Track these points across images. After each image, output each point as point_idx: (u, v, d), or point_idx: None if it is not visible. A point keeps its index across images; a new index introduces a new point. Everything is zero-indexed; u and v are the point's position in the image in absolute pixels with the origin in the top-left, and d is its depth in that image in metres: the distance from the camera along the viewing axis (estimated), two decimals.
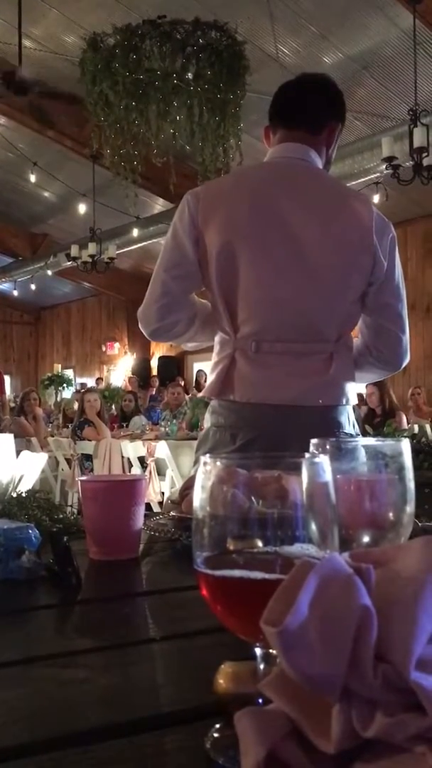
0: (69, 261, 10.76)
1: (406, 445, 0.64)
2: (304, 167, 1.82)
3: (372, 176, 7.92)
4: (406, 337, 1.89)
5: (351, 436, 1.82)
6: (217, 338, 1.86)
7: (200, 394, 1.87)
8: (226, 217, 1.75)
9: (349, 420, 1.84)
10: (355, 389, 1.88)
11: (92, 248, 9.90)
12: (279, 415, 1.74)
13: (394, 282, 1.83)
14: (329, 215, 1.77)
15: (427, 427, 3.54)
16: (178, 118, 6.03)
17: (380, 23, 6.88)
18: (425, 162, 5.94)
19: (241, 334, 1.77)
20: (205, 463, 0.50)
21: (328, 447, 0.64)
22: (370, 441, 0.64)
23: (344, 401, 1.81)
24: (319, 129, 1.86)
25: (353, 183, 8.56)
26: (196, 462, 1.92)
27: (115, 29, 5.95)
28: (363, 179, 8.22)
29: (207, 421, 1.91)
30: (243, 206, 1.76)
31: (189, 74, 5.87)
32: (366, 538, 0.61)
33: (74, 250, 10.29)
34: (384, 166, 6.35)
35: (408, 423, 6.64)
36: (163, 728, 0.52)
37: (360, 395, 9.03)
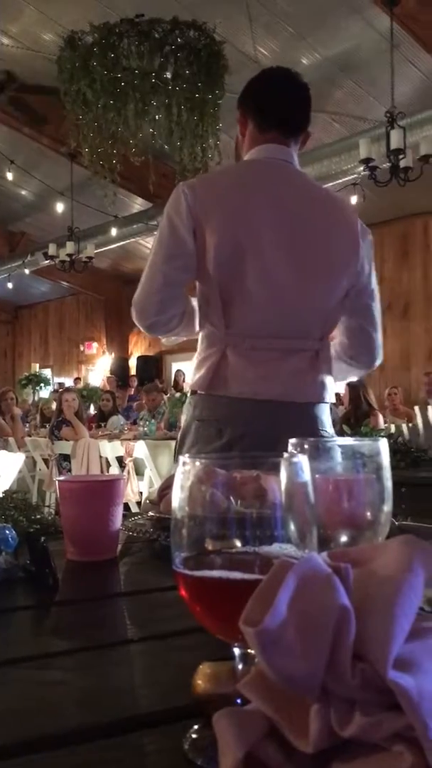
0: (47, 260, 10.68)
1: (383, 445, 0.64)
2: (293, 170, 1.87)
3: (350, 177, 7.97)
4: (380, 338, 1.96)
5: (329, 433, 1.87)
6: (203, 333, 1.86)
7: (188, 387, 1.88)
8: (227, 210, 1.76)
9: (328, 417, 1.89)
10: (334, 388, 1.92)
11: (70, 247, 9.85)
12: (267, 411, 1.76)
13: (372, 285, 1.90)
14: (323, 217, 1.83)
15: (404, 426, 3.57)
16: (156, 117, 6.03)
17: (358, 25, 6.92)
18: (402, 164, 5.99)
19: (234, 329, 1.78)
20: (184, 463, 0.50)
21: (306, 447, 0.64)
22: (349, 441, 0.65)
23: (326, 398, 1.86)
24: (299, 132, 1.90)
25: (331, 184, 8.59)
26: (176, 458, 1.93)
27: (93, 27, 5.93)
28: (341, 180, 8.26)
29: (187, 414, 1.89)
30: (245, 201, 1.78)
31: (167, 73, 5.87)
32: (344, 538, 0.61)
33: (52, 249, 10.22)
34: (361, 168, 6.39)
35: (385, 423, 6.68)
36: (142, 729, 0.52)
37: (337, 395, 9.07)
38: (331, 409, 1.95)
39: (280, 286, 1.76)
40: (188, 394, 1.92)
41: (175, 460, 1.96)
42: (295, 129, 1.88)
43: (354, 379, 2.14)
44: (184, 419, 1.92)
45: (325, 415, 1.86)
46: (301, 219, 1.79)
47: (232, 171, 1.99)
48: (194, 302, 1.87)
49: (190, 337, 1.93)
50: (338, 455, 0.65)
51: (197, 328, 1.88)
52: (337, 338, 1.95)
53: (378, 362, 2.00)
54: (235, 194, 1.80)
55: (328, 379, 1.86)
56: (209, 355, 1.81)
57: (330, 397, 1.87)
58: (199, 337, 1.87)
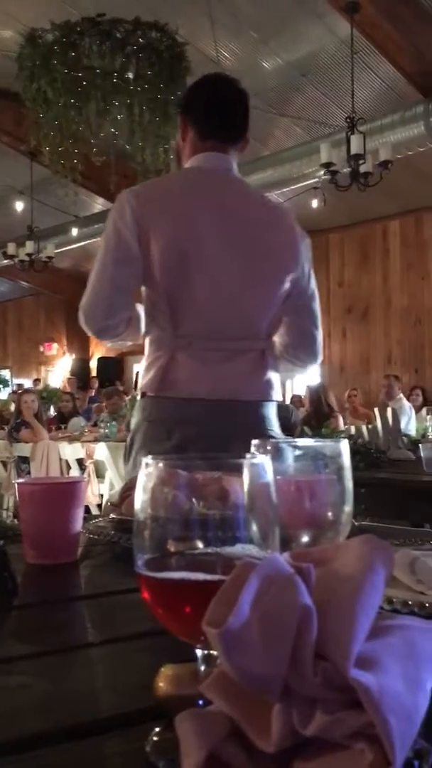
0: (6, 259, 10.54)
1: (344, 446, 0.65)
2: (233, 177, 1.92)
3: (311, 181, 8.05)
4: (321, 337, 2.03)
5: (276, 432, 1.93)
6: (151, 336, 1.88)
7: (137, 390, 1.88)
8: (172, 215, 1.79)
9: (274, 416, 1.94)
10: (279, 386, 1.98)
11: (30, 246, 9.73)
12: (216, 410, 1.79)
13: (311, 286, 1.97)
14: (263, 222, 1.89)
15: (364, 428, 3.61)
16: (118, 117, 6.00)
17: (319, 31, 7.00)
18: (362, 169, 6.06)
19: (182, 332, 1.81)
20: (146, 465, 0.49)
21: (269, 448, 0.65)
22: (310, 442, 0.65)
23: (273, 396, 1.92)
24: (239, 139, 1.93)
25: (292, 187, 8.67)
26: (126, 460, 1.95)
27: (54, 25, 5.87)
28: (302, 184, 8.34)
29: (136, 416, 1.92)
30: (189, 207, 1.82)
31: (129, 74, 5.84)
32: (306, 538, 0.61)
33: (11, 248, 10.07)
34: (322, 172, 6.45)
35: (345, 424, 6.76)
36: (103, 733, 0.52)
37: (298, 397, 9.14)
38: (291, 410, 2.00)
39: (226, 289, 1.81)
40: (137, 397, 1.95)
41: (125, 461, 1.98)
42: (235, 136, 1.92)
43: (296, 376, 2.26)
44: (133, 421, 1.94)
45: (271, 413, 1.92)
46: (242, 224, 1.85)
47: (174, 178, 2.07)
48: (139, 307, 1.89)
49: (134, 342, 1.95)
50: (299, 456, 0.65)
51: (142, 332, 1.90)
52: (279, 337, 2.01)
53: (319, 360, 2.07)
54: (178, 200, 1.83)
55: (275, 377, 1.92)
56: (158, 357, 1.84)
57: (276, 395, 1.93)
58: (147, 341, 1.90)
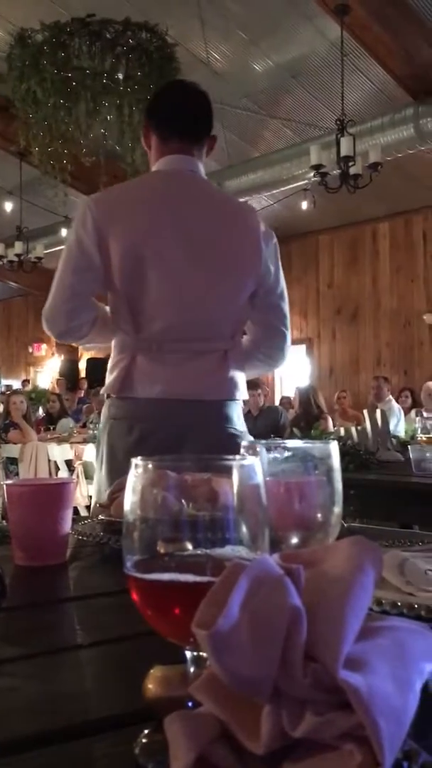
0: None
1: (334, 448, 0.65)
2: (197, 178, 1.93)
3: (300, 183, 8.07)
4: (288, 339, 2.04)
5: (239, 431, 1.94)
6: (115, 339, 1.93)
7: (101, 391, 1.91)
8: (129, 222, 1.83)
9: (238, 415, 1.96)
10: (244, 385, 1.99)
11: (19, 247, 9.69)
12: (176, 409, 1.84)
13: (279, 284, 1.97)
14: (224, 223, 1.91)
15: (353, 429, 3.61)
16: (108, 117, 5.99)
17: (309, 33, 7.01)
18: (352, 171, 6.08)
19: (143, 334, 1.86)
20: (136, 466, 0.49)
21: (258, 449, 0.65)
22: (300, 443, 0.65)
23: (237, 396, 1.94)
24: (201, 139, 1.94)
25: (282, 189, 8.69)
26: (97, 456, 1.99)
27: (44, 26, 5.86)
28: (292, 185, 8.35)
29: (103, 415, 1.99)
30: (146, 212, 1.85)
31: (119, 74, 5.83)
32: (295, 539, 0.61)
33: (0, 249, 10.04)
34: (312, 174, 6.46)
35: (334, 426, 6.77)
36: (92, 735, 0.52)
37: (288, 398, 9.15)
38: (280, 412, 2.01)
39: (186, 292, 1.84)
40: (105, 398, 2.00)
41: (97, 458, 2.02)
42: (196, 137, 1.93)
43: (262, 374, 2.26)
44: (102, 421, 2.01)
45: (235, 412, 1.93)
46: (203, 226, 1.87)
47: (135, 183, 2.08)
48: (107, 309, 1.95)
49: (106, 343, 2.00)
50: (289, 458, 0.65)
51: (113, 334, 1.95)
52: (249, 334, 2.04)
53: (285, 359, 2.09)
54: (136, 206, 1.87)
55: (239, 377, 1.94)
56: (120, 359, 1.89)
57: (241, 395, 1.95)
58: (113, 343, 1.94)
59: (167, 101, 1.98)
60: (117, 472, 1.75)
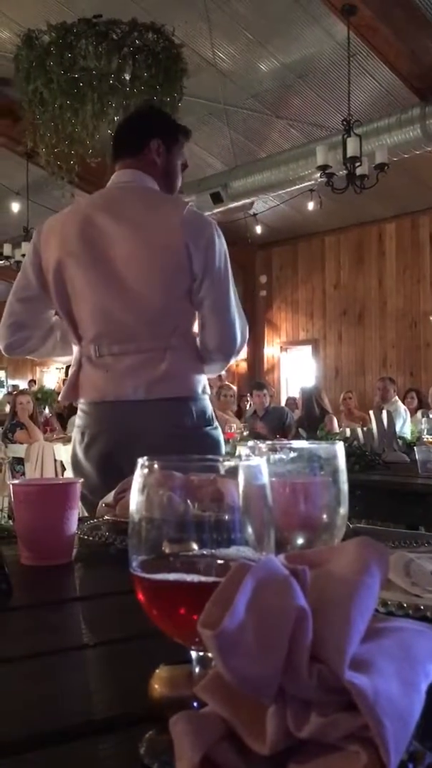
0: (1, 260, 10.51)
1: (340, 448, 0.65)
2: (126, 189, 2.01)
3: (307, 184, 8.06)
4: (233, 329, 1.97)
5: (187, 428, 1.92)
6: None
7: (59, 398, 1.99)
8: (58, 241, 1.95)
9: (193, 412, 1.94)
10: (202, 382, 1.99)
11: (25, 248, 9.70)
12: (119, 412, 1.91)
13: (212, 275, 1.92)
14: (138, 225, 1.93)
15: (358, 430, 3.60)
16: (114, 118, 5.99)
17: (316, 34, 7.01)
18: (358, 171, 6.07)
19: (84, 341, 1.97)
20: (142, 466, 0.49)
21: (263, 449, 0.65)
22: (305, 444, 0.65)
23: (185, 393, 1.94)
24: (139, 150, 2.03)
25: (288, 190, 8.68)
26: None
27: (50, 26, 5.87)
28: (298, 186, 8.34)
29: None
30: (71, 230, 1.95)
31: (125, 75, 5.84)
32: (300, 540, 0.61)
33: (7, 250, 10.05)
34: (318, 175, 6.46)
35: (340, 427, 6.76)
36: (97, 735, 0.52)
37: (293, 399, 9.14)
38: (286, 412, 2.00)
39: (105, 302, 1.92)
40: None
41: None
42: (123, 152, 2.06)
43: (220, 371, 2.20)
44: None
45: (183, 409, 1.92)
46: (115, 233, 1.92)
47: (71, 207, 2.14)
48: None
49: (67, 354, 2.10)
50: (294, 458, 0.65)
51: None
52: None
53: (231, 353, 2.00)
54: (64, 226, 1.97)
55: (185, 374, 1.94)
56: (71, 367, 2.02)
57: (187, 391, 1.94)
58: None
59: (114, 134, 2.19)
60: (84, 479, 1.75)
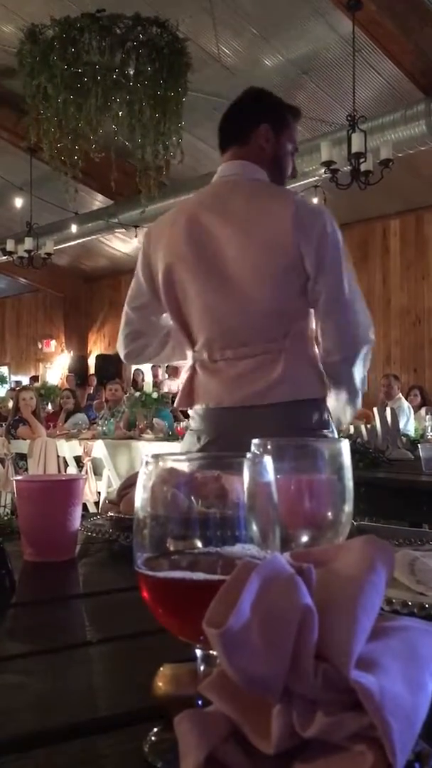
0: (4, 255, 10.51)
1: (345, 446, 0.64)
2: (232, 183, 1.92)
3: (311, 179, 8.03)
4: (349, 327, 1.87)
5: (310, 432, 1.83)
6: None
7: (175, 405, 2.00)
8: (166, 244, 1.92)
9: (312, 415, 1.86)
10: (319, 385, 1.88)
11: (29, 243, 9.71)
12: (233, 417, 1.87)
13: (326, 271, 1.82)
14: (245, 224, 1.86)
15: (362, 427, 3.60)
16: (118, 113, 5.98)
17: (320, 29, 6.98)
18: (363, 167, 6.05)
19: (197, 346, 1.93)
20: (146, 463, 0.49)
21: (269, 447, 0.64)
22: (310, 441, 0.65)
23: (302, 397, 1.86)
24: (246, 139, 1.94)
25: (293, 185, 8.64)
26: None
27: (54, 21, 5.85)
28: (302, 182, 8.31)
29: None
30: (179, 232, 1.90)
31: (129, 70, 5.83)
32: (305, 538, 0.61)
33: (10, 245, 10.05)
34: (323, 170, 6.44)
35: None
36: (101, 733, 0.51)
37: None
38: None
39: (217, 305, 1.87)
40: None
41: None
42: (229, 140, 1.96)
43: (351, 377, 1.97)
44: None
45: (298, 413, 1.84)
46: (225, 234, 1.85)
47: (177, 207, 2.07)
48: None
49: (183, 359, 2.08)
50: (300, 455, 0.65)
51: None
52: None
53: (355, 347, 1.89)
54: (171, 228, 1.93)
55: (300, 376, 1.85)
56: (185, 374, 2.00)
57: (310, 393, 1.86)
58: None
59: (219, 125, 2.03)
60: None
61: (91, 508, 5.51)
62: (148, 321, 2.03)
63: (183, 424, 6.26)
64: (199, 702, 0.45)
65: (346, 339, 1.88)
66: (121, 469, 5.91)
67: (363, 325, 1.90)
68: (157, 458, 0.49)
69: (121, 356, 2.10)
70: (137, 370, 12.53)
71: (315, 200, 8.52)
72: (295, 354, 1.85)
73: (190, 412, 2.03)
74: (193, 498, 0.48)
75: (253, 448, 0.66)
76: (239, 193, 1.90)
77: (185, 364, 2.02)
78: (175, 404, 2.09)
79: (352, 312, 1.87)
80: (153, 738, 0.48)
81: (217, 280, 1.86)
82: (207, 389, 1.92)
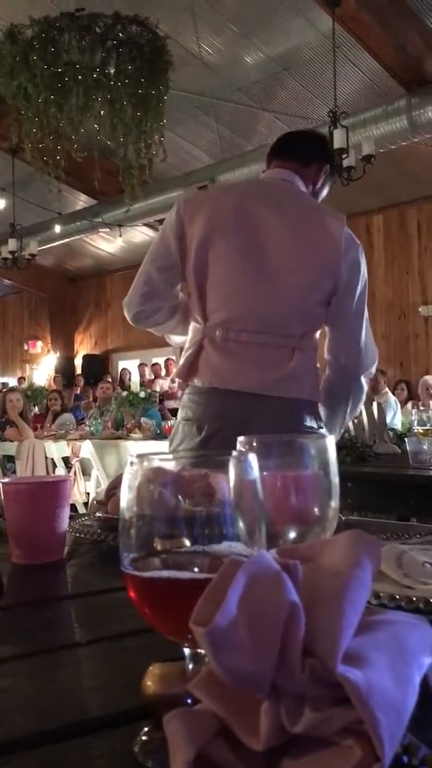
0: None
1: (330, 441, 0.65)
2: (286, 185, 2.01)
3: None
4: (361, 348, 1.99)
5: (309, 427, 1.91)
6: (190, 328, 1.99)
7: (171, 376, 1.96)
8: (208, 216, 1.92)
9: (310, 417, 1.93)
10: (317, 389, 1.97)
11: (12, 244, 9.65)
12: (240, 403, 1.86)
13: (353, 295, 1.95)
14: (299, 224, 1.94)
15: (349, 422, 3.62)
16: (100, 113, 5.96)
17: (300, 25, 6.98)
18: (345, 163, 6.06)
19: (211, 323, 1.91)
20: (132, 463, 0.49)
21: (255, 444, 0.64)
22: (296, 437, 0.65)
23: (307, 396, 1.92)
24: (307, 163, 2.06)
25: None
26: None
27: (33, 21, 5.82)
28: None
29: (178, 416, 2.04)
30: (224, 208, 1.93)
31: (110, 69, 5.80)
32: (292, 534, 0.61)
33: None
34: None
35: None
36: (91, 733, 0.51)
37: None
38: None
39: (246, 286, 1.88)
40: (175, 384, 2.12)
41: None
42: (293, 156, 2.06)
43: (346, 403, 2.10)
44: (176, 421, 2.07)
45: (304, 412, 1.90)
46: (272, 226, 1.91)
47: (223, 185, 2.23)
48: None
49: (184, 335, 2.06)
50: (285, 451, 0.65)
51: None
52: (325, 354, 2.03)
53: (360, 371, 2.02)
54: (216, 202, 1.96)
55: (307, 377, 1.92)
56: (189, 346, 1.96)
57: (311, 395, 1.92)
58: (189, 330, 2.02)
59: (279, 139, 2.16)
60: None
61: (80, 509, 5.49)
62: (167, 284, 1.99)
63: (171, 422, 6.25)
64: (188, 700, 0.45)
65: (357, 361, 2.00)
66: (110, 469, 5.90)
67: (371, 354, 2.03)
68: (141, 458, 0.49)
69: (129, 316, 2.03)
70: (124, 369, 12.49)
71: None
72: (306, 354, 1.92)
73: (185, 398, 1.98)
74: (179, 496, 0.48)
75: (238, 445, 0.66)
76: (294, 196, 2.01)
77: (188, 339, 1.98)
78: (172, 375, 2.08)
79: (362, 338, 2.00)
80: (143, 737, 0.48)
81: (254, 264, 1.88)
82: (214, 368, 1.90)
